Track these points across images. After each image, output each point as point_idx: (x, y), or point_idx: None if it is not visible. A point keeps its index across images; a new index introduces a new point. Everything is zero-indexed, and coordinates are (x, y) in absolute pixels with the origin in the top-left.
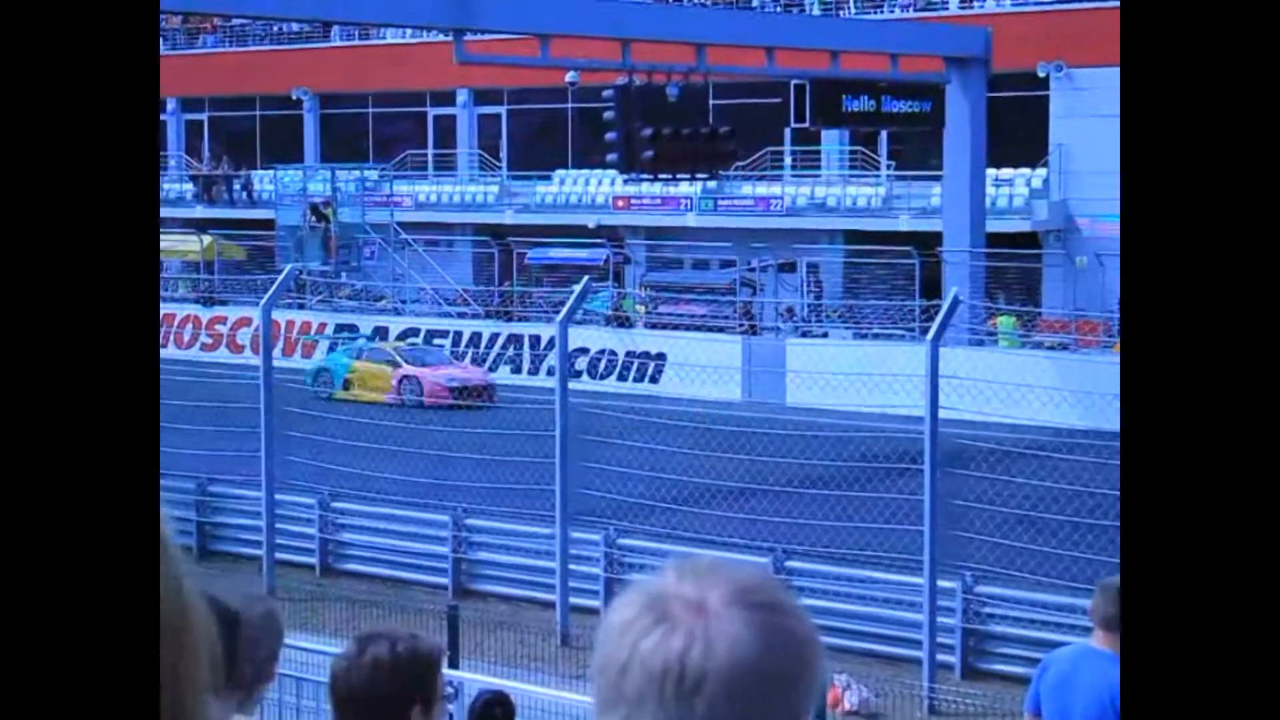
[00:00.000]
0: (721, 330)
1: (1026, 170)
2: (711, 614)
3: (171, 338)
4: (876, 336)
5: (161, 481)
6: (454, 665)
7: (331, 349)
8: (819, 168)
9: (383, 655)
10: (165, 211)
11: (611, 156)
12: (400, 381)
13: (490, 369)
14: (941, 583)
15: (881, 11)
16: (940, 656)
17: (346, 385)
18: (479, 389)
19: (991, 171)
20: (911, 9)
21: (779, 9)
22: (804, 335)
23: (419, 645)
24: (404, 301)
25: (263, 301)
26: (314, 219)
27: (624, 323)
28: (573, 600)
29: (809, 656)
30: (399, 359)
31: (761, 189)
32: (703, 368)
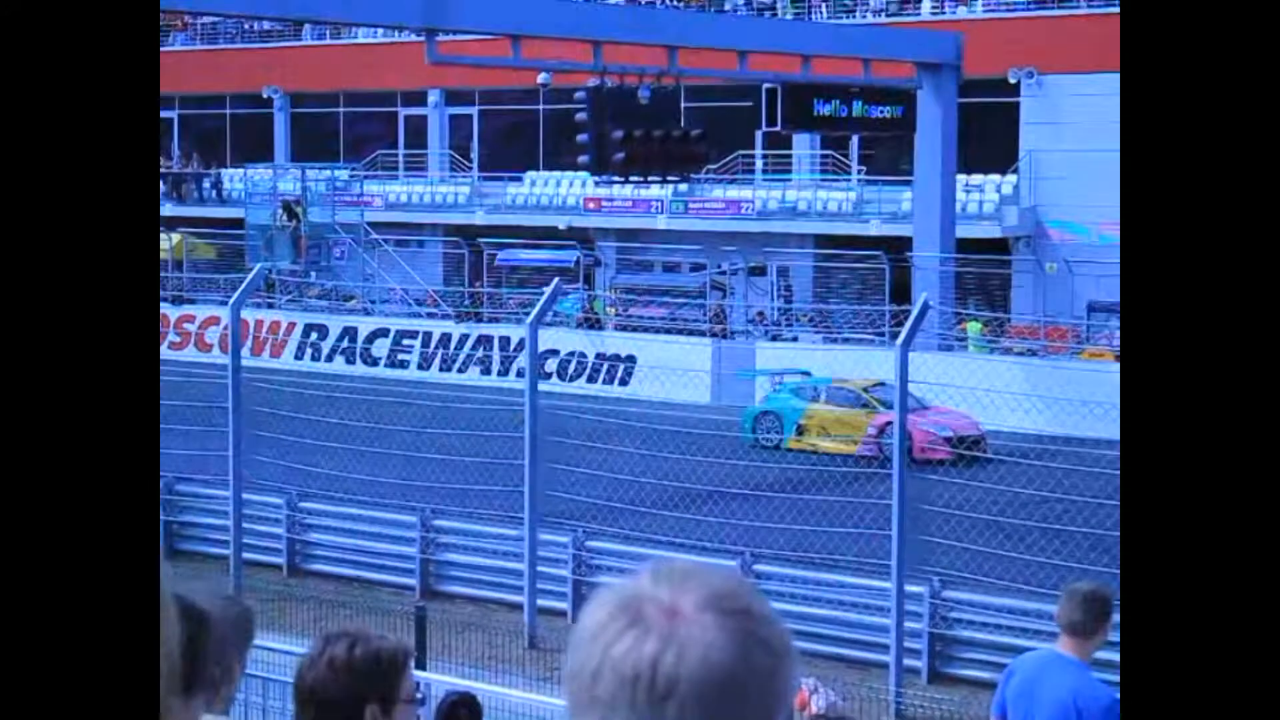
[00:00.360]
0: (691, 333)
1: (997, 176)
2: (684, 619)
3: None
4: (846, 340)
5: None
6: (421, 666)
7: (776, 389)
8: (790, 172)
9: (340, 654)
10: None
11: (583, 158)
12: (881, 429)
13: (460, 370)
14: (909, 587)
15: (853, 16)
16: (907, 661)
17: (800, 431)
18: (974, 440)
19: (962, 177)
20: (883, 14)
21: (751, 13)
22: (774, 339)
23: (379, 646)
24: (373, 302)
25: (232, 300)
26: (285, 216)
27: (594, 325)
28: (541, 602)
29: (782, 664)
30: (874, 402)
31: (732, 192)
32: (672, 370)
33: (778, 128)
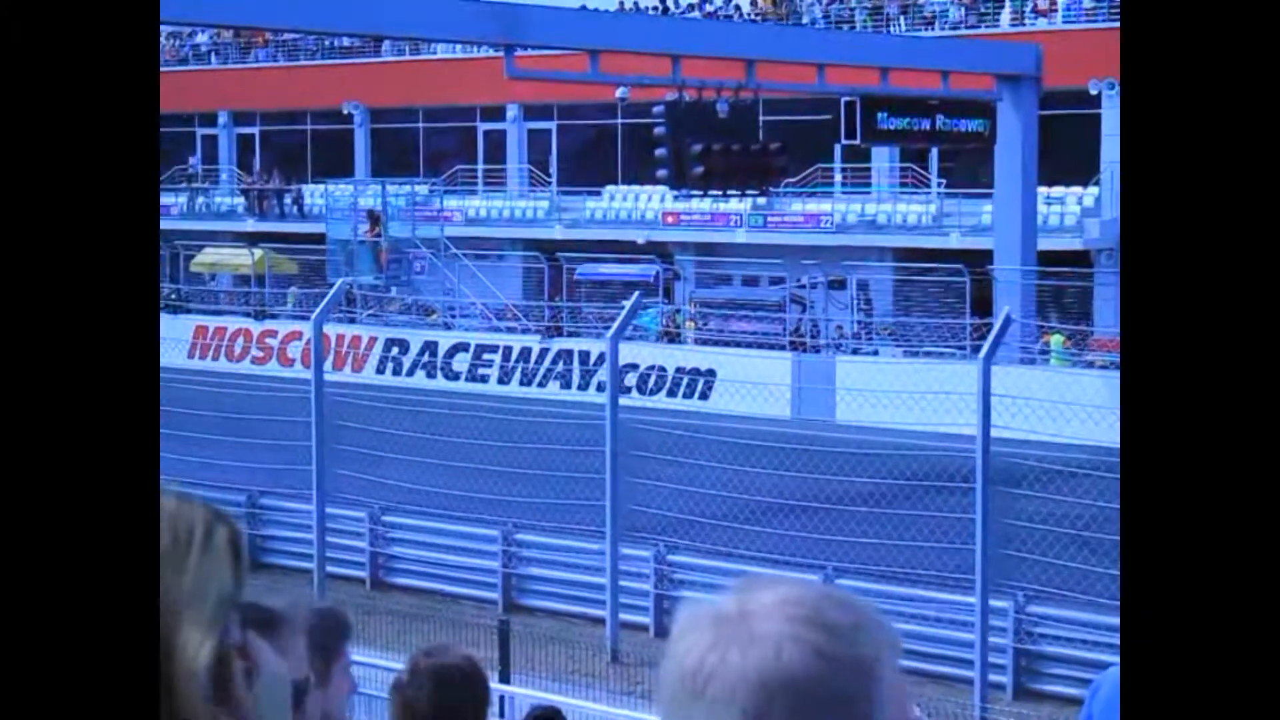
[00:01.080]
0: (771, 347)
1: (1078, 188)
2: (747, 622)
3: (223, 351)
4: (927, 354)
5: (213, 494)
6: (505, 680)
7: None
8: (869, 184)
9: (454, 664)
10: (216, 225)
11: (661, 172)
12: None
13: (540, 384)
14: (993, 602)
15: (932, 28)
16: (992, 676)
17: None
18: None
19: (1043, 189)
20: (962, 26)
21: (829, 25)
22: (854, 352)
23: (473, 659)
24: (454, 316)
25: (314, 315)
26: (369, 226)
27: (674, 338)
28: (622, 616)
29: (864, 680)
30: None
31: (811, 205)
32: (752, 384)
33: (856, 141)
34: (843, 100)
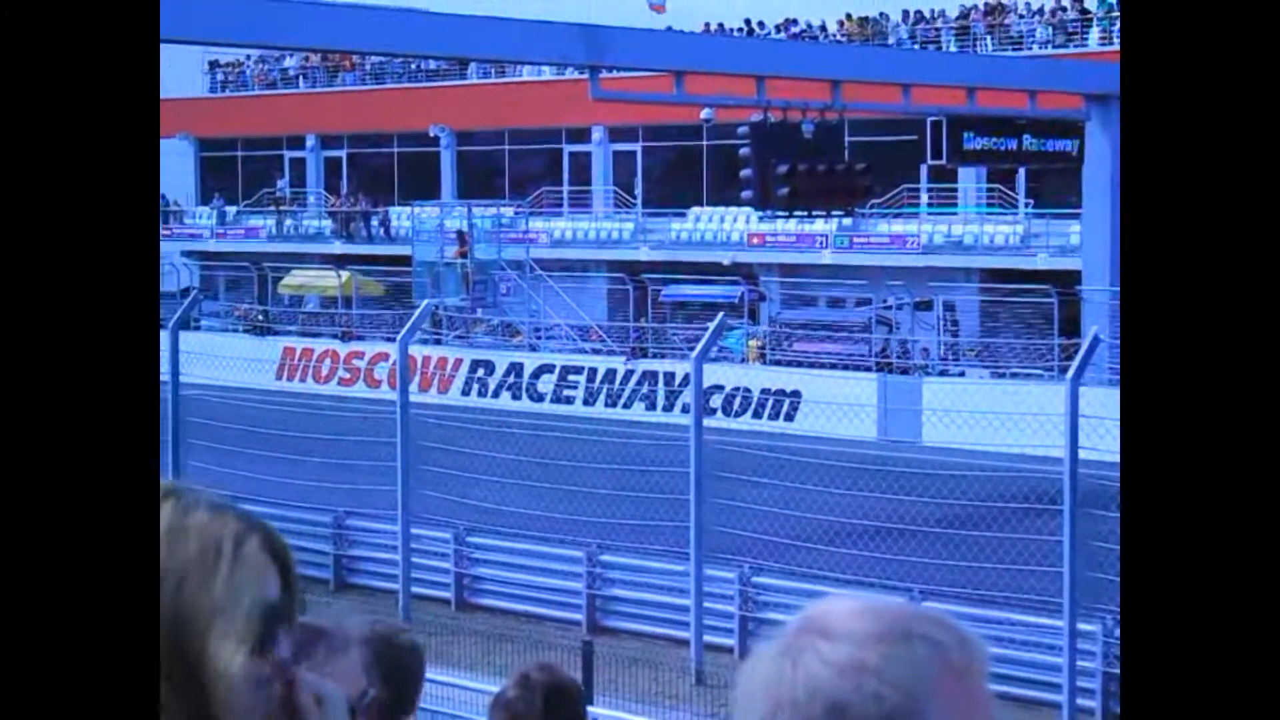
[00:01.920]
0: (857, 368)
1: None
2: (814, 640)
3: (310, 372)
4: (1014, 375)
5: (299, 514)
6: (589, 701)
7: None
8: (956, 205)
9: (550, 684)
10: (303, 247)
11: (746, 193)
12: None
13: (625, 405)
14: (1081, 625)
15: (1020, 48)
16: (1080, 701)
17: None
18: None
19: None
20: (1050, 45)
21: (915, 45)
22: (940, 374)
23: (579, 685)
24: (539, 337)
25: (400, 336)
26: (458, 247)
27: (761, 358)
28: (707, 638)
29: (924, 702)
30: None
31: (897, 226)
32: (838, 405)
33: (943, 161)
34: (929, 120)
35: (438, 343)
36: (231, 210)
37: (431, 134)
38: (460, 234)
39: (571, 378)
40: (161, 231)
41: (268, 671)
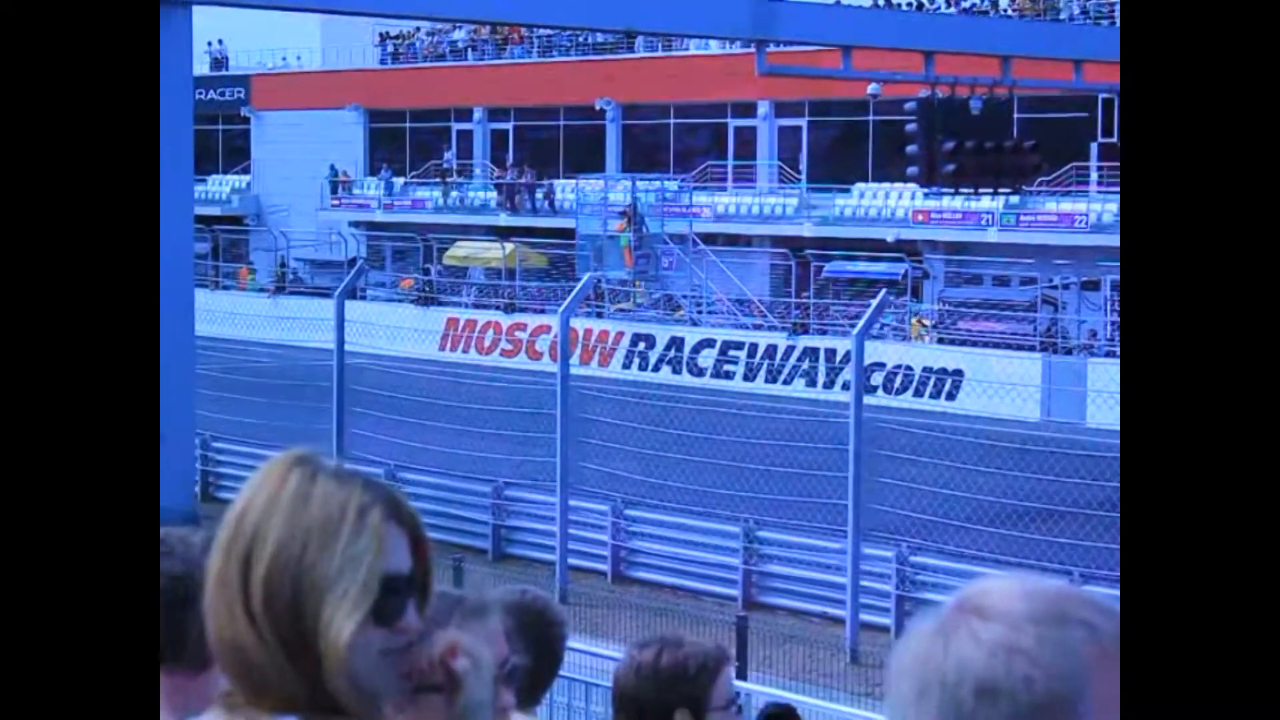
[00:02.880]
0: (1020, 348)
1: None
2: (967, 620)
3: (473, 343)
4: None
5: (459, 484)
6: (742, 676)
7: None
8: None
9: (647, 661)
10: (468, 219)
11: (912, 170)
12: None
13: (785, 382)
14: None
15: None
16: None
17: None
18: None
19: None
20: None
21: (1088, 20)
22: (1107, 355)
23: (688, 653)
24: (700, 312)
25: (561, 308)
26: (624, 221)
27: (923, 337)
28: (863, 617)
29: (1048, 685)
30: None
31: (1066, 205)
32: (1001, 385)
33: (1114, 139)
34: (1100, 97)
35: (599, 316)
36: (399, 181)
37: (597, 107)
38: (627, 212)
39: (732, 353)
40: (330, 202)
41: (396, 641)
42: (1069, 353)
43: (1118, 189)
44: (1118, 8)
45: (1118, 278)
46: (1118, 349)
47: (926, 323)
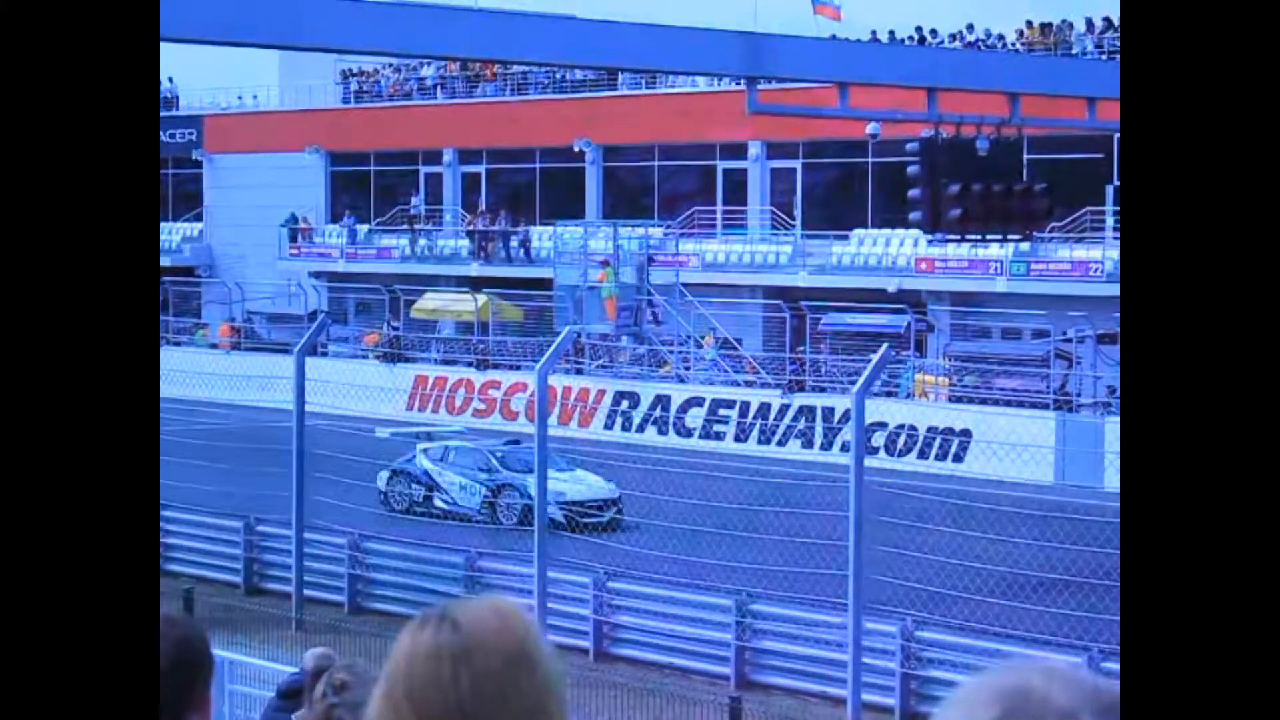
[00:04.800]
0: (1034, 406)
1: None
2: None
3: (444, 402)
4: None
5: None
6: None
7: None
8: None
9: None
10: (438, 269)
11: (914, 215)
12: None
13: (779, 443)
14: None
15: None
16: None
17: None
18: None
19: None
20: None
21: (1102, 56)
22: None
23: None
24: (688, 368)
25: (538, 365)
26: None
27: (925, 394)
28: (865, 697)
29: None
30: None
31: (1080, 252)
32: (1011, 446)
33: None
34: (1115, 136)
35: (579, 372)
36: (363, 229)
37: (576, 149)
38: (606, 262)
39: (722, 412)
40: (289, 251)
41: None
42: (1084, 410)
43: None
44: None
45: None
46: None
47: (931, 379)
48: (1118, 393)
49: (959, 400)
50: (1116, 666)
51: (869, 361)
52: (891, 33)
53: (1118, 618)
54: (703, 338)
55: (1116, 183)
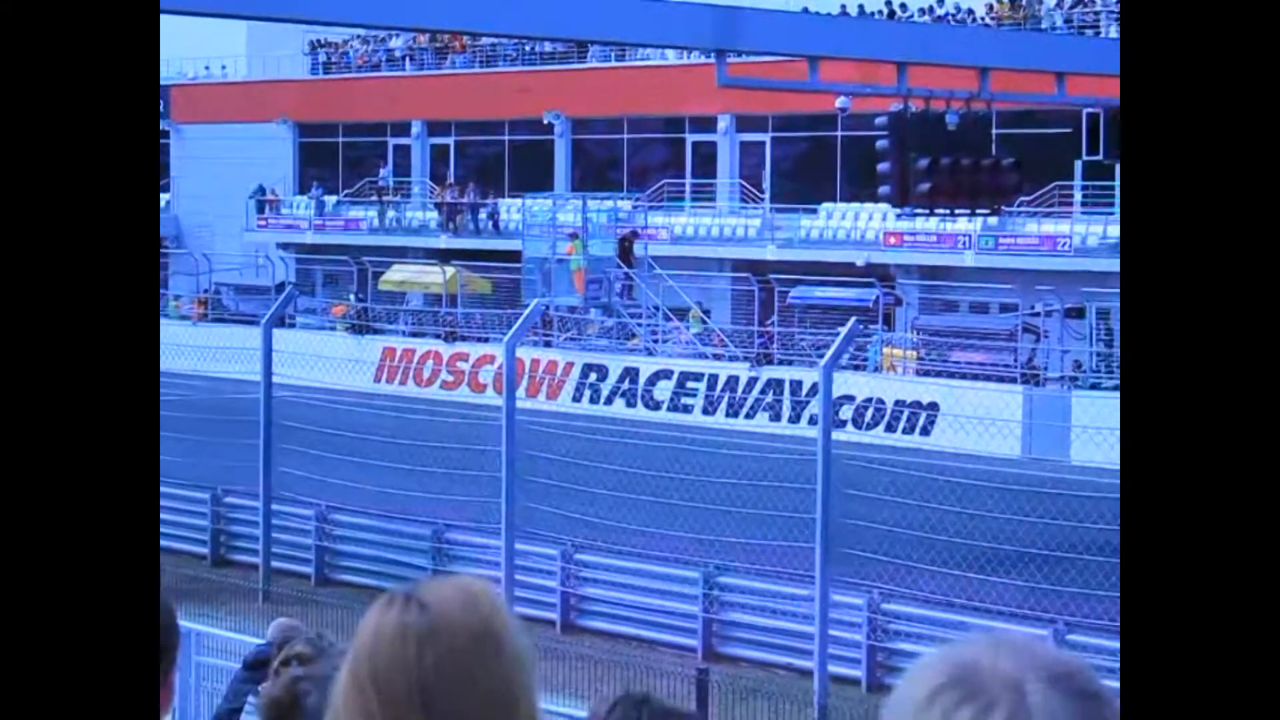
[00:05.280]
0: (1001, 380)
1: None
2: (1030, 695)
3: (411, 375)
4: None
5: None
6: None
7: None
8: (1112, 204)
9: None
10: (407, 241)
11: (883, 189)
12: None
13: (748, 415)
14: None
15: None
16: None
17: None
18: None
19: None
20: None
21: (1071, 31)
22: (1092, 387)
23: (668, 713)
24: (656, 341)
25: (507, 337)
26: (619, 251)
27: (894, 368)
28: (832, 669)
29: None
30: None
31: (1048, 227)
32: (979, 420)
33: (1099, 156)
34: (1084, 112)
35: (548, 345)
36: (331, 200)
37: (545, 121)
38: (575, 234)
39: (690, 384)
40: (257, 222)
41: None
42: (1052, 384)
43: (1103, 210)
44: (1102, 18)
45: (1103, 304)
46: (1103, 381)
47: (900, 353)
48: (1084, 367)
49: (927, 374)
50: (1081, 639)
51: (837, 334)
52: (861, 7)
53: (1084, 590)
54: (689, 312)
55: (1085, 157)
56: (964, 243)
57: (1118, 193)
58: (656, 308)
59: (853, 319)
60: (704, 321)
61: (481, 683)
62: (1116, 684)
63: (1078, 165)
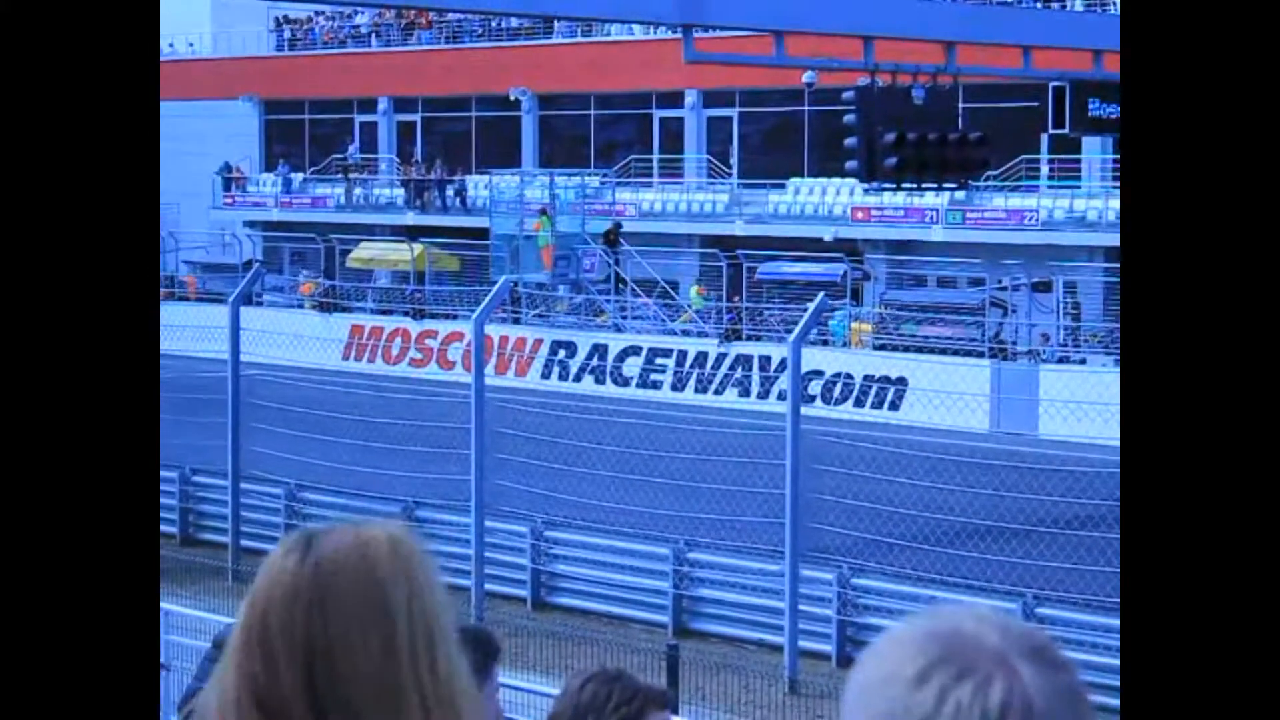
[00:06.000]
0: (969, 354)
1: None
2: (1021, 669)
3: (380, 352)
4: None
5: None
6: (674, 710)
7: None
8: (1079, 178)
9: (600, 696)
10: (374, 218)
11: (851, 164)
12: None
13: (716, 391)
14: None
15: None
16: None
17: None
18: None
19: None
20: None
21: (1038, 4)
22: (1060, 361)
23: (639, 690)
24: (625, 317)
25: (475, 314)
26: (605, 239)
27: (862, 343)
28: (802, 644)
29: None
30: None
31: (1015, 201)
32: (947, 394)
33: (1065, 130)
34: (1051, 86)
35: (516, 322)
36: (297, 178)
37: (512, 97)
38: (544, 210)
39: (659, 361)
40: (223, 200)
41: None
42: (1020, 359)
43: (1069, 184)
44: None
45: (1071, 278)
46: (1070, 355)
47: (868, 328)
48: (1052, 341)
49: (894, 349)
50: (1051, 612)
51: (805, 310)
52: None
53: (1052, 564)
54: (692, 289)
55: (1052, 131)
56: (931, 217)
57: (1082, 167)
58: (654, 285)
59: (821, 294)
60: (705, 298)
61: (375, 643)
62: (1111, 660)
63: (1044, 139)
